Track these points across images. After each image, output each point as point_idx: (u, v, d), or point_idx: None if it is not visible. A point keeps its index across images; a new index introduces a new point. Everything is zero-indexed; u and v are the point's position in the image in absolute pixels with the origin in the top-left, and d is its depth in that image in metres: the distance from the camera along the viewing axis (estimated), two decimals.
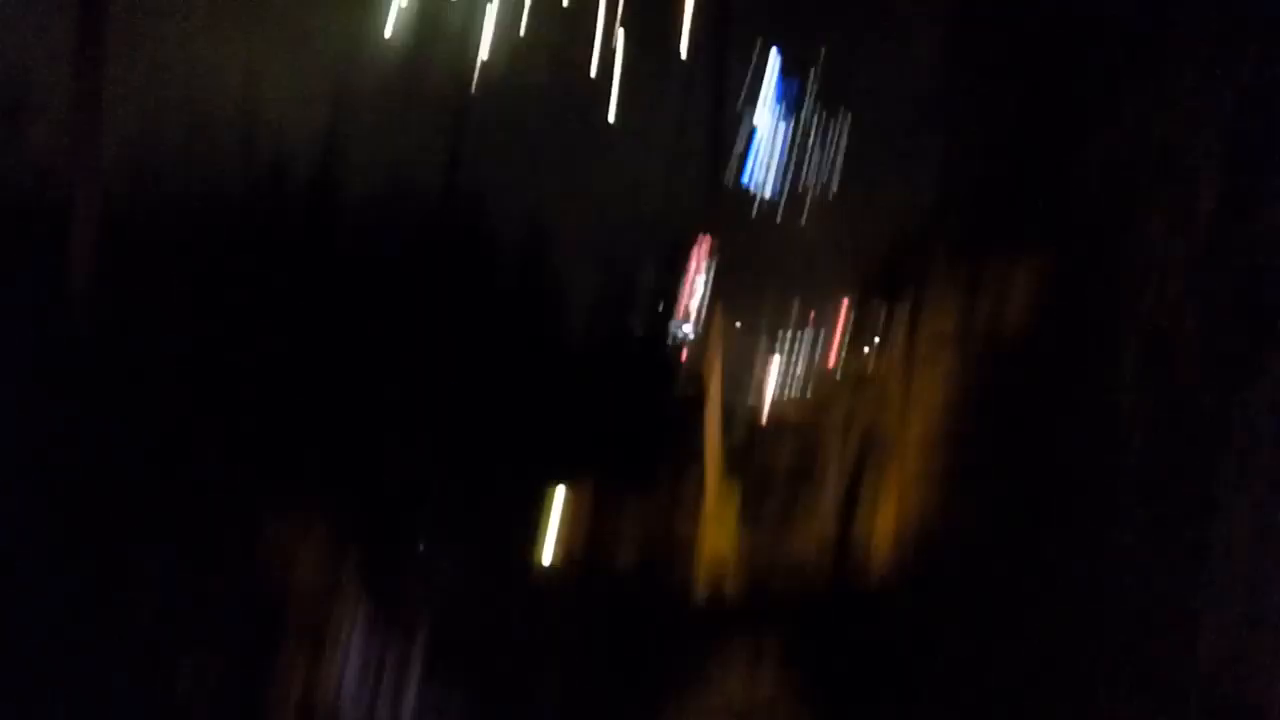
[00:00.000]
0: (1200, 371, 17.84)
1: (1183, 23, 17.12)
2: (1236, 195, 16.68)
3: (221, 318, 14.48)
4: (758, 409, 34.45)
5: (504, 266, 18.72)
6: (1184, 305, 17.63)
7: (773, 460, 33.23)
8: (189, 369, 14.13)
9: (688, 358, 26.97)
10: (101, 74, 12.98)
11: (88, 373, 13.20)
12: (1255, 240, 16.73)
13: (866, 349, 30.44)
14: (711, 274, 27.64)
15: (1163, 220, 17.26)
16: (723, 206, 27.43)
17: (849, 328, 33.15)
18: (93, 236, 12.95)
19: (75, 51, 12.94)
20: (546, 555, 19.39)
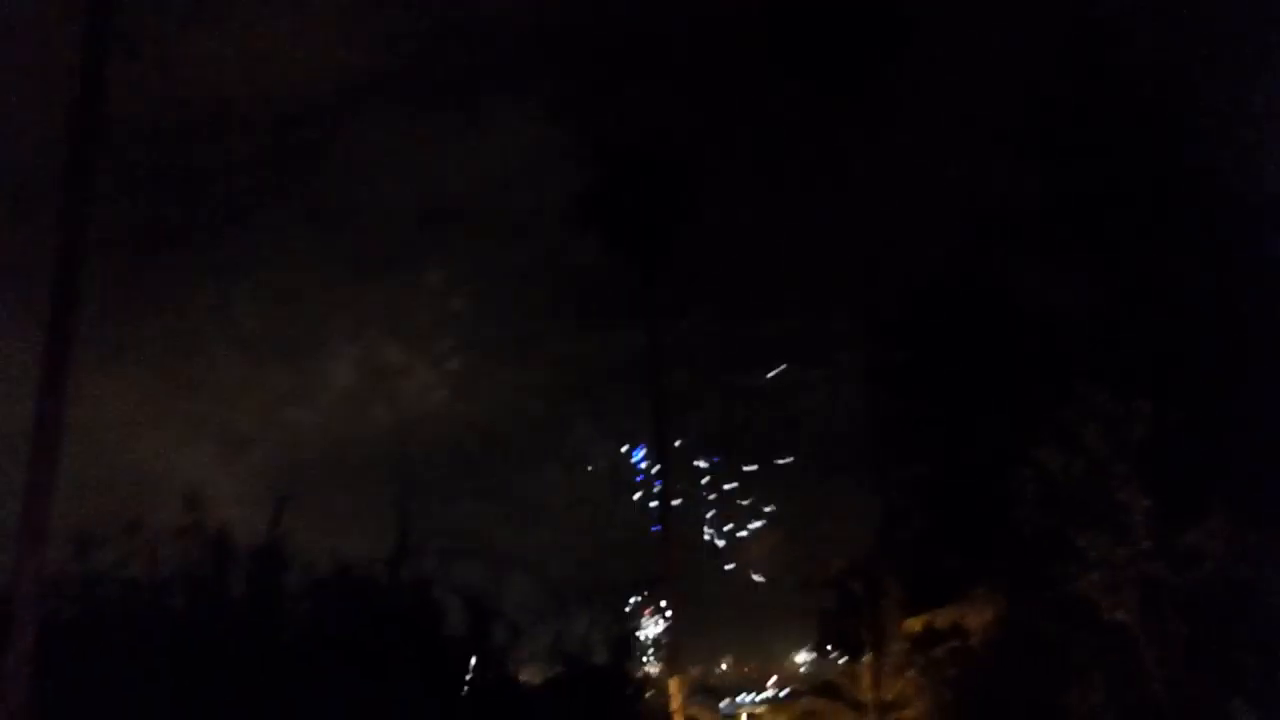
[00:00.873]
0: (1165, 673, 17.82)
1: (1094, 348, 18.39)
2: (1167, 504, 17.21)
3: (161, 704, 13.74)
4: None
5: (457, 625, 18.31)
6: (1140, 609, 17.80)
7: None
8: None
9: (651, 695, 26.45)
10: (55, 471, 12.78)
11: None
12: (1193, 546, 17.15)
13: (830, 668, 30.11)
14: (669, 616, 27.63)
15: (1102, 531, 17.62)
16: (673, 556, 27.89)
17: (812, 651, 33.00)
18: (32, 634, 12.41)
19: (32, 447, 12.74)
20: None
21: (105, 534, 14.26)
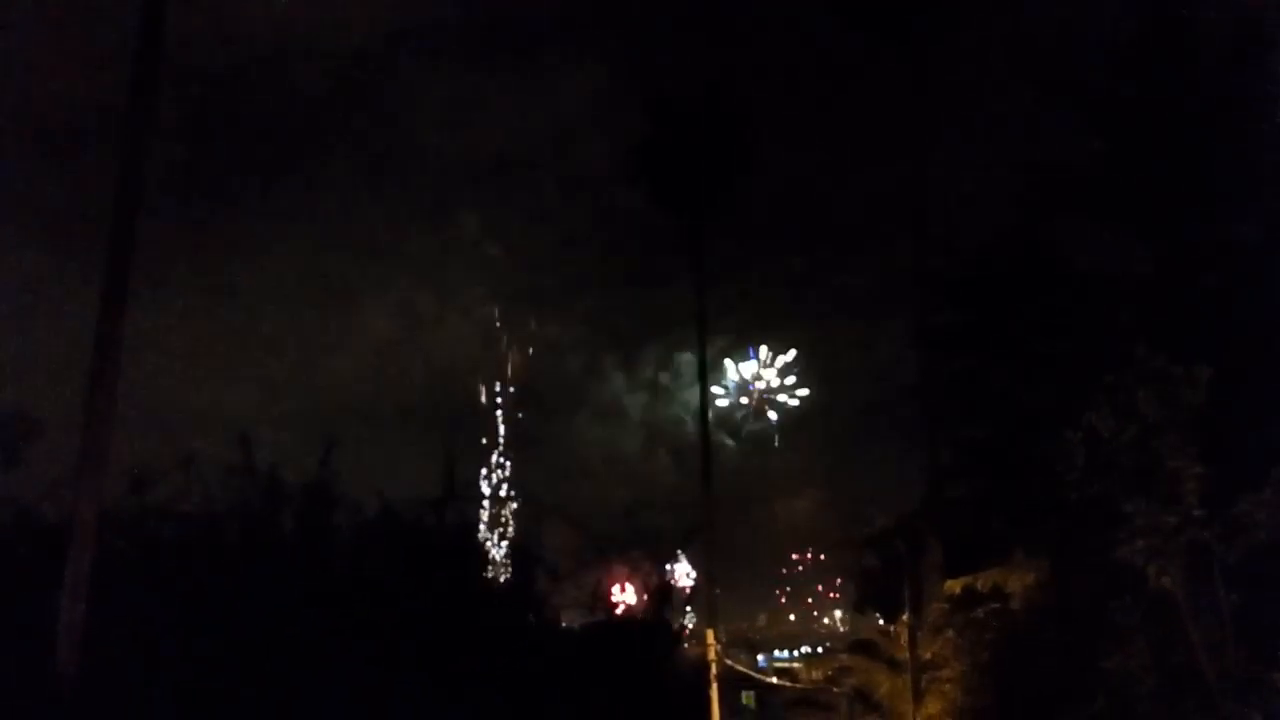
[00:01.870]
0: (1210, 642, 17.67)
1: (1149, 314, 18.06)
2: (1219, 473, 16.95)
3: (215, 638, 14.10)
4: (761, 685, 33.82)
5: (498, 572, 18.61)
6: (1187, 577, 17.62)
7: None
8: (183, 688, 13.65)
9: (689, 643, 26.76)
10: (113, 397, 13.17)
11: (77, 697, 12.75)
12: (1245, 515, 16.90)
13: (867, 626, 30.26)
14: (707, 566, 27.94)
15: (1151, 497, 17.42)
16: (712, 508, 28.10)
17: (846, 607, 33.17)
18: (91, 554, 12.80)
19: (91, 374, 13.14)
20: None
21: (158, 469, 14.55)
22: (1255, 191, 19.59)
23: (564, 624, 18.88)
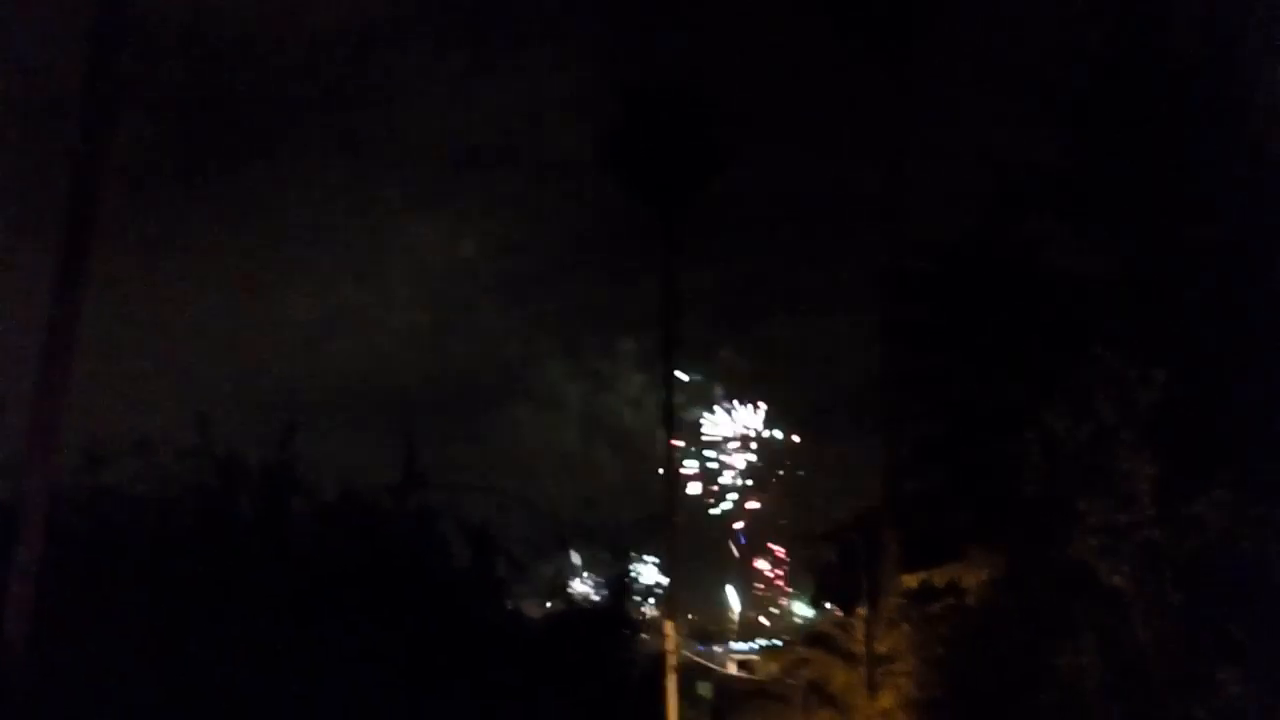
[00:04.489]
0: (1158, 640, 17.96)
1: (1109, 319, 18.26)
2: (1173, 473, 17.20)
3: (170, 623, 13.96)
4: (719, 679, 34.04)
5: (461, 559, 18.54)
6: (1137, 575, 17.90)
7: None
8: (132, 668, 13.49)
9: (648, 634, 26.90)
10: (68, 374, 12.95)
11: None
12: (1196, 516, 17.16)
13: (826, 620, 30.52)
14: (671, 558, 28.07)
15: (1104, 496, 17.65)
16: (677, 502, 28.19)
17: (809, 603, 33.41)
18: (41, 534, 12.63)
19: (44, 350, 12.91)
20: None
21: (113, 449, 14.35)
22: (1224, 195, 19.80)
23: (523, 613, 18.95)
